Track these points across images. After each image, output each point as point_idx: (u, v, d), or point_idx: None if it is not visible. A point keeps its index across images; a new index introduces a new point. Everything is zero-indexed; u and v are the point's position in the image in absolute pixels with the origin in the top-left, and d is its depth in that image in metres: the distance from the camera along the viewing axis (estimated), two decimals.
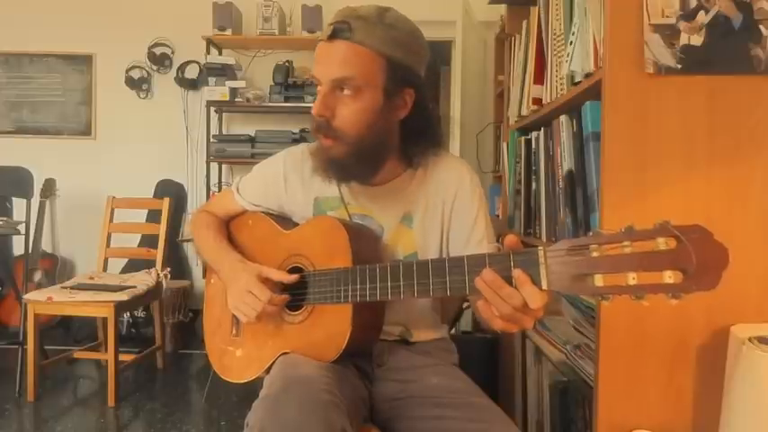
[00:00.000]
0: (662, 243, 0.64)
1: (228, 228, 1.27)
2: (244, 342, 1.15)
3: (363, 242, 1.05)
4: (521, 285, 0.74)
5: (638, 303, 0.66)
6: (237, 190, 1.25)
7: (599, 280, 0.67)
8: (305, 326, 1.04)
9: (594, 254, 0.68)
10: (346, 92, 0.98)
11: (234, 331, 1.17)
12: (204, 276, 1.29)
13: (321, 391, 0.86)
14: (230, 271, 1.11)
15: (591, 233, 0.70)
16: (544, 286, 0.73)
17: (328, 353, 0.98)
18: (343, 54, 0.97)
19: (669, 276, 0.63)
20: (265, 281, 1.05)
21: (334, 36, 0.97)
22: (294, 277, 1.04)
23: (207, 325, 1.26)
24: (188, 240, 3.69)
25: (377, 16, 0.98)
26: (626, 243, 0.66)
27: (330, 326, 1.00)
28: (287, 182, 1.18)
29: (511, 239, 0.79)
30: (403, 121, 1.07)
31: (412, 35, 1.03)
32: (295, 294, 1.06)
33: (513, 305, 0.75)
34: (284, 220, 1.20)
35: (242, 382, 1.13)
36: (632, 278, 0.65)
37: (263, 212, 1.22)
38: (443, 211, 1.13)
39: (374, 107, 1.00)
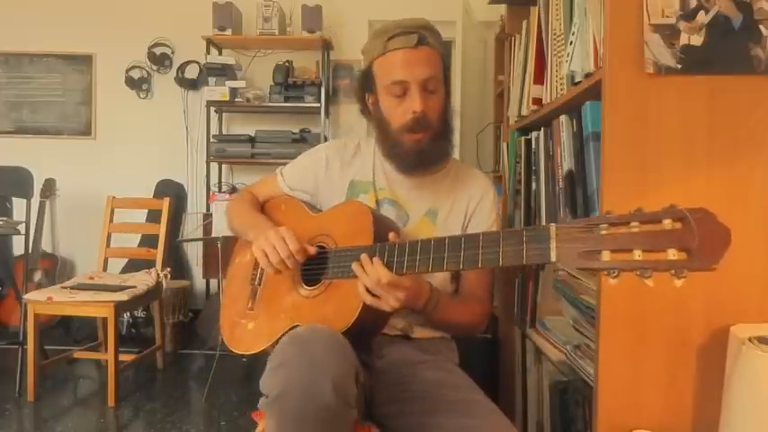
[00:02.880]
0: (668, 224, 0.67)
1: (263, 209, 1.36)
2: (257, 315, 1.20)
3: (386, 227, 1.11)
4: (373, 268, 0.97)
5: (642, 283, 0.68)
6: (281, 173, 1.35)
7: (606, 256, 0.71)
8: (318, 300, 1.09)
9: (603, 232, 0.72)
10: (431, 88, 1.17)
11: (249, 304, 1.22)
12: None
13: (342, 338, 0.94)
14: (265, 226, 1.20)
15: (602, 214, 0.74)
16: (553, 259, 0.77)
17: (336, 324, 1.01)
18: (428, 57, 1.16)
19: (673, 254, 0.66)
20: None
21: (420, 43, 1.16)
22: (314, 249, 1.13)
23: (224, 300, 1.32)
24: (188, 240, 3.69)
25: (430, 25, 1.20)
26: (634, 224, 0.70)
27: (343, 300, 1.05)
28: (328, 164, 1.31)
29: None
30: None
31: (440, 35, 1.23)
32: (314, 270, 1.11)
33: (372, 280, 0.97)
34: (314, 208, 1.29)
35: (249, 353, 1.16)
36: (638, 255, 0.68)
37: (296, 198, 1.31)
38: (466, 214, 1.26)
39: (444, 97, 1.21)
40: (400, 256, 0.99)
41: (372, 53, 1.20)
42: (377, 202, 1.24)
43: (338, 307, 1.05)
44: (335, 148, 1.33)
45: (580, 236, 0.74)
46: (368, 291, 1.00)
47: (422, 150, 1.18)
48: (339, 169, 1.30)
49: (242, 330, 1.21)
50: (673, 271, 0.66)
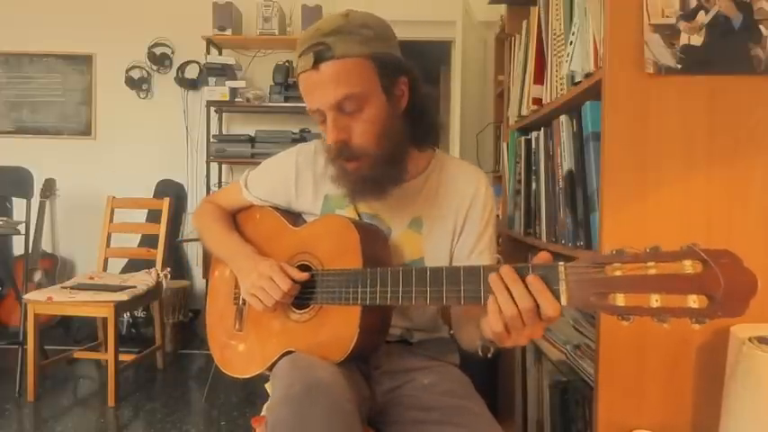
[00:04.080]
0: (688, 266, 0.62)
1: (235, 220, 1.27)
2: (247, 337, 1.15)
3: (374, 244, 1.04)
4: (537, 292, 0.73)
5: (660, 326, 0.64)
6: (245, 185, 1.24)
7: (621, 299, 0.66)
8: (311, 325, 1.03)
9: (617, 272, 0.66)
10: (352, 108, 0.97)
11: (237, 325, 1.17)
12: (204, 276, 1.29)
13: (343, 400, 0.86)
14: (246, 259, 1.10)
15: (614, 251, 0.68)
16: (564, 302, 0.72)
17: (333, 355, 0.97)
18: (334, 74, 0.94)
19: (694, 301, 0.61)
20: (284, 271, 1.03)
21: (318, 61, 0.94)
22: (306, 275, 1.03)
23: (209, 317, 1.25)
24: (188, 240, 3.69)
25: (345, 24, 0.96)
26: (650, 263, 0.64)
27: (337, 328, 0.99)
28: (298, 179, 1.17)
29: (543, 255, 0.77)
30: (405, 108, 1.05)
31: (381, 25, 1.01)
32: (302, 293, 1.05)
33: (523, 307, 0.74)
34: (292, 216, 1.20)
35: (243, 377, 1.13)
36: (655, 300, 0.63)
37: (270, 207, 1.22)
38: (456, 220, 1.11)
39: (381, 110, 0.99)
40: (394, 285, 0.90)
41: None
42: (358, 216, 1.12)
43: (333, 334, 0.99)
44: (306, 156, 1.17)
45: (592, 276, 0.68)
46: (499, 311, 0.76)
47: (363, 178, 1.00)
48: (312, 183, 1.15)
49: (232, 352, 1.16)
50: (694, 319, 0.62)
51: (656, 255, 0.65)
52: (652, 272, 0.64)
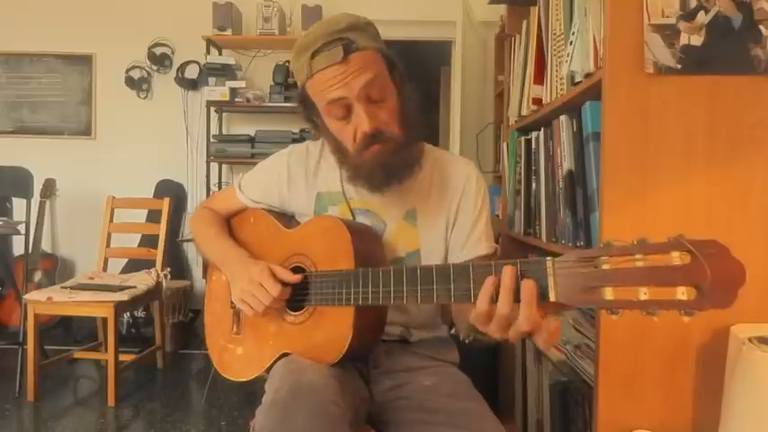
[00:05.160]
0: (676, 258, 0.61)
1: (230, 224, 1.27)
2: (244, 340, 1.15)
3: (366, 243, 1.04)
4: (524, 301, 0.71)
5: (648, 318, 0.63)
6: (239, 187, 1.25)
7: (609, 293, 0.65)
8: (306, 327, 1.04)
9: (605, 266, 0.66)
10: (376, 96, 1.01)
11: (235, 329, 1.17)
12: (204, 276, 1.29)
13: (329, 403, 0.86)
14: (237, 264, 1.10)
15: (602, 244, 0.67)
16: (552, 298, 0.71)
17: (329, 356, 0.97)
18: (363, 63, 0.99)
19: (682, 292, 0.60)
20: (274, 276, 1.04)
21: (347, 53, 0.99)
22: (298, 277, 1.03)
23: (207, 321, 1.25)
24: (188, 240, 3.69)
25: (355, 21, 1.02)
26: (638, 256, 0.64)
27: (331, 329, 0.99)
28: (290, 177, 1.19)
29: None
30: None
31: (373, 26, 1.06)
32: (296, 294, 1.05)
33: (526, 314, 0.72)
34: (286, 219, 1.20)
35: (241, 380, 1.12)
36: (643, 293, 0.62)
37: (265, 209, 1.22)
38: (449, 210, 1.13)
39: (395, 99, 1.05)
40: (386, 285, 0.90)
41: (301, 75, 1.05)
42: (351, 212, 1.14)
43: (328, 335, 0.99)
44: (298, 156, 1.20)
45: (580, 271, 0.67)
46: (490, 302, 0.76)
47: (386, 163, 1.03)
48: (304, 182, 1.18)
49: (231, 356, 1.17)
50: (683, 311, 0.61)
51: (644, 247, 0.64)
52: (640, 264, 0.63)
